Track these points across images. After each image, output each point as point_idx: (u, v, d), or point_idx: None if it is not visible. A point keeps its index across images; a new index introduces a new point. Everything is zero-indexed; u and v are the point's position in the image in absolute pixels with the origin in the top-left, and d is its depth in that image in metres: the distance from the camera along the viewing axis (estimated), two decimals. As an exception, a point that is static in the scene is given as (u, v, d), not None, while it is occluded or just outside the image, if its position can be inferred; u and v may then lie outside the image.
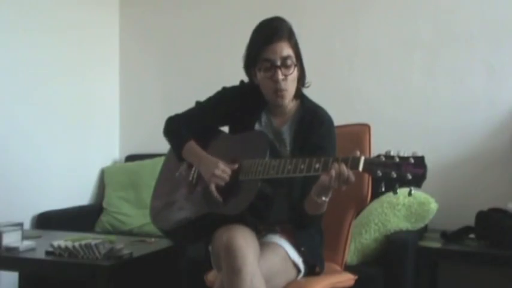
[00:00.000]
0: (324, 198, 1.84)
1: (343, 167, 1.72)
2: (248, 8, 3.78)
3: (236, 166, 1.97)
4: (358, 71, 3.56)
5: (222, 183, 1.95)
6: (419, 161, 1.63)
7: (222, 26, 3.91)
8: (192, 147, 2.10)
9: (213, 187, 1.96)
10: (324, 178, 1.76)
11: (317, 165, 1.76)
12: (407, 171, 1.62)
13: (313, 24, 3.60)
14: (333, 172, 1.72)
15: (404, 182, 1.64)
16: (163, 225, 2.15)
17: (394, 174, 1.63)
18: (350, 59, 3.59)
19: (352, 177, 1.72)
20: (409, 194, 1.65)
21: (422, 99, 3.40)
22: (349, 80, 3.58)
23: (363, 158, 1.70)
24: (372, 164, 1.67)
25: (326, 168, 1.74)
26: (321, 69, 3.50)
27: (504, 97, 3.23)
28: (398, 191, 1.66)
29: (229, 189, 1.96)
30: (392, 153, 1.67)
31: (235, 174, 1.97)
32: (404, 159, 1.64)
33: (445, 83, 3.36)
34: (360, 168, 1.69)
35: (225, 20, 3.90)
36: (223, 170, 1.95)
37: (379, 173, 1.65)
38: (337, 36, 3.62)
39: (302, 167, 1.79)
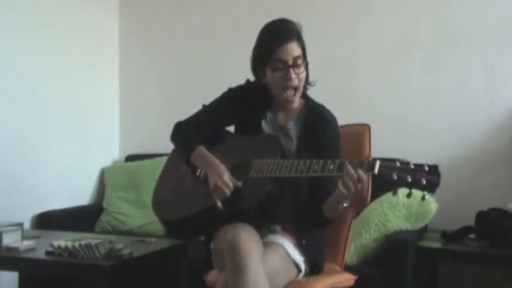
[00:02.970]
0: (345, 205, 1.89)
1: (351, 171, 1.74)
2: (248, 9, 3.78)
3: (240, 184, 1.96)
4: (358, 71, 3.56)
5: (222, 197, 1.95)
6: (434, 170, 1.68)
7: (222, 26, 3.91)
8: (201, 152, 2.08)
9: (215, 198, 1.96)
10: (341, 190, 1.78)
11: (331, 167, 1.79)
12: (422, 177, 1.66)
13: (313, 24, 3.58)
14: (347, 181, 1.75)
15: (418, 187, 1.67)
16: (166, 216, 2.13)
17: (409, 179, 1.67)
18: (350, 59, 3.59)
19: (363, 176, 1.74)
20: (423, 199, 1.70)
21: (422, 99, 3.40)
22: (349, 80, 3.58)
23: (378, 162, 1.73)
24: (387, 168, 1.71)
25: (340, 169, 1.77)
26: (321, 69, 3.48)
27: (504, 97, 3.23)
28: (406, 193, 1.70)
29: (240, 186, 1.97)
30: (406, 161, 1.71)
31: (247, 173, 1.97)
32: (419, 166, 1.68)
33: (445, 83, 3.36)
34: (376, 170, 1.72)
35: (225, 21, 3.90)
36: (225, 183, 1.94)
37: (395, 177, 1.68)
38: (337, 36, 3.62)
39: (316, 167, 1.81)
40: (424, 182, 1.66)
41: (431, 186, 1.66)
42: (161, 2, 4.13)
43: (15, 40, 3.38)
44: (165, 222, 2.16)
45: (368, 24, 3.54)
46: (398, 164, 1.69)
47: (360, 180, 1.74)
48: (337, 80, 3.58)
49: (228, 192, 1.94)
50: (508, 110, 3.22)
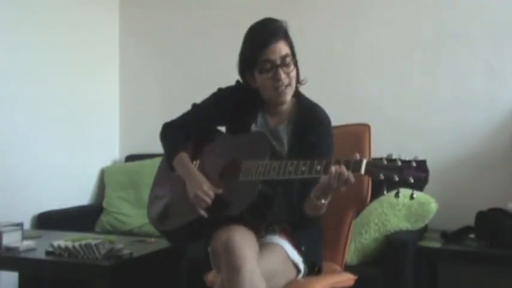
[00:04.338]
0: (323, 201, 1.85)
1: (343, 168, 1.72)
2: (248, 9, 3.78)
3: (221, 191, 1.96)
4: (358, 71, 3.56)
5: (203, 206, 1.95)
6: (422, 165, 1.64)
7: (222, 26, 3.90)
8: (182, 159, 2.09)
9: (197, 207, 1.96)
10: (323, 177, 1.76)
11: (318, 167, 1.77)
12: (410, 174, 1.63)
13: (313, 24, 3.60)
14: (333, 170, 1.73)
15: (406, 186, 1.64)
16: (163, 226, 2.14)
17: (396, 178, 1.64)
18: (350, 59, 3.58)
19: (352, 178, 1.72)
20: (411, 197, 1.66)
21: (422, 99, 3.40)
22: (349, 80, 3.58)
23: (364, 161, 1.70)
24: (374, 167, 1.68)
25: (327, 170, 1.74)
26: (321, 68, 3.51)
27: (504, 97, 3.23)
28: (400, 194, 1.67)
29: (230, 189, 1.96)
30: (394, 157, 1.67)
31: (236, 176, 1.97)
32: (406, 163, 1.65)
33: (445, 83, 3.36)
34: (362, 171, 1.69)
35: (225, 20, 3.90)
36: (206, 193, 1.94)
37: (381, 176, 1.65)
38: (337, 36, 3.62)
39: (303, 168, 1.79)
40: (411, 180, 1.62)
41: (419, 184, 1.63)
42: (161, 2, 4.13)
43: (15, 40, 3.38)
44: (163, 232, 2.16)
45: (368, 24, 3.54)
46: (385, 162, 1.66)
47: (347, 181, 1.72)
48: (337, 79, 3.58)
49: (208, 201, 1.94)
50: (508, 110, 3.22)
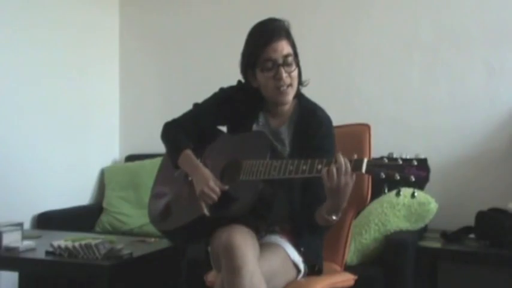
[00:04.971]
0: (334, 217, 1.85)
1: (340, 159, 1.72)
2: (248, 8, 3.78)
3: (227, 187, 1.96)
4: (358, 71, 3.56)
5: (210, 202, 1.94)
6: (423, 164, 1.64)
7: (222, 25, 3.91)
8: (187, 156, 2.08)
9: (201, 203, 1.96)
10: (324, 182, 1.76)
11: (319, 166, 1.76)
12: (411, 173, 1.63)
13: (313, 24, 3.60)
14: (324, 172, 1.73)
15: (407, 184, 1.64)
16: (163, 225, 2.14)
17: (397, 176, 1.63)
18: (350, 59, 3.59)
19: (348, 167, 1.72)
20: (412, 196, 1.66)
21: (422, 99, 3.40)
22: (349, 79, 3.58)
23: (365, 160, 1.70)
24: (375, 166, 1.67)
25: None
26: (321, 69, 3.51)
27: (504, 97, 3.23)
28: (401, 193, 1.66)
29: (230, 189, 1.96)
30: (395, 156, 1.67)
31: (237, 175, 1.96)
32: (407, 162, 1.65)
33: (445, 83, 3.36)
34: (363, 169, 1.69)
35: (225, 20, 3.90)
36: (212, 189, 1.93)
37: (383, 175, 1.65)
38: (337, 36, 3.62)
39: (304, 167, 1.79)
40: (413, 179, 1.62)
41: (420, 183, 1.63)
42: (161, 2, 4.13)
43: (14, 39, 3.37)
44: (163, 232, 2.16)
45: (368, 24, 3.54)
46: (386, 161, 1.66)
47: (346, 172, 1.72)
48: (337, 80, 3.58)
49: (215, 197, 1.93)
50: (508, 110, 3.22)
